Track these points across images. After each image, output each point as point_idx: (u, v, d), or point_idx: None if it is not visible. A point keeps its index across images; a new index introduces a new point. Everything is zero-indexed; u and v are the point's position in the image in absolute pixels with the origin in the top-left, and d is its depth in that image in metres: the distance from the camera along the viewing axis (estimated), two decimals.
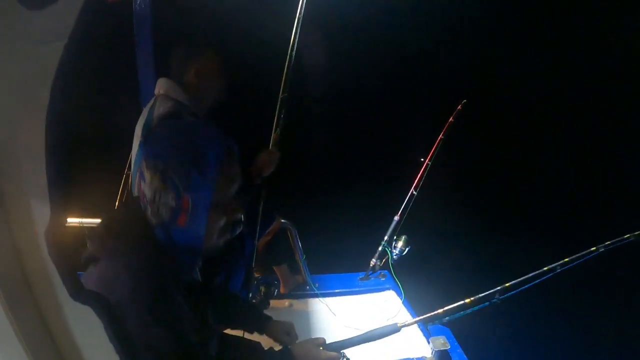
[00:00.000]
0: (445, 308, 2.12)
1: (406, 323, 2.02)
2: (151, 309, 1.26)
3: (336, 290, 3.50)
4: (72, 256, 1.13)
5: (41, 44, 0.93)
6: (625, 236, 2.83)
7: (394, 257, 3.63)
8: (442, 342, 2.86)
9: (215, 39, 2.70)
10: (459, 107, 3.97)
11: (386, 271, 3.78)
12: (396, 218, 3.75)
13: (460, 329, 3.14)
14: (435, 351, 2.85)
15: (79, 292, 1.09)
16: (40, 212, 1.02)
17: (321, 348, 1.90)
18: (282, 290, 3.44)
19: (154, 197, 1.34)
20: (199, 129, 1.45)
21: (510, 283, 2.13)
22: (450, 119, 3.96)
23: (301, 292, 3.58)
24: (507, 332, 4.91)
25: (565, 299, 5.30)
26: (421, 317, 2.08)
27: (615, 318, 5.13)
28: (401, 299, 3.45)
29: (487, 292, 2.15)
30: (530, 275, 2.23)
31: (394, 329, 2.02)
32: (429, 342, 2.97)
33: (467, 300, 2.13)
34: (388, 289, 3.63)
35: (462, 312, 2.49)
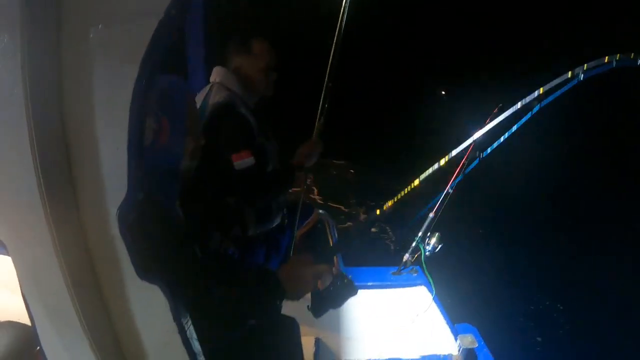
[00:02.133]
0: (421, 177, 2.00)
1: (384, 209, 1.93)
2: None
3: (368, 283, 3.56)
4: (143, 235, 1.16)
5: (137, 18, 0.96)
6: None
7: (427, 253, 3.66)
8: (470, 340, 2.90)
9: (270, 32, 2.75)
10: (495, 110, 3.95)
11: (418, 267, 3.81)
12: (431, 215, 3.77)
13: (488, 331, 3.18)
14: (463, 349, 2.90)
15: (146, 271, 1.14)
16: (113, 194, 1.07)
17: (308, 265, 1.71)
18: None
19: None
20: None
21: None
22: (487, 120, 3.94)
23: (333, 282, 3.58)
24: (533, 335, 4.93)
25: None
26: (398, 197, 1.95)
27: None
28: (432, 294, 3.50)
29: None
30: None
31: (373, 218, 1.93)
32: (456, 340, 3.02)
33: (442, 162, 1.99)
34: (419, 284, 3.67)
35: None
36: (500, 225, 6.68)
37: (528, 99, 2.16)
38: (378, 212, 1.83)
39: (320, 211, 3.34)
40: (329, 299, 1.76)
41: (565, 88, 2.21)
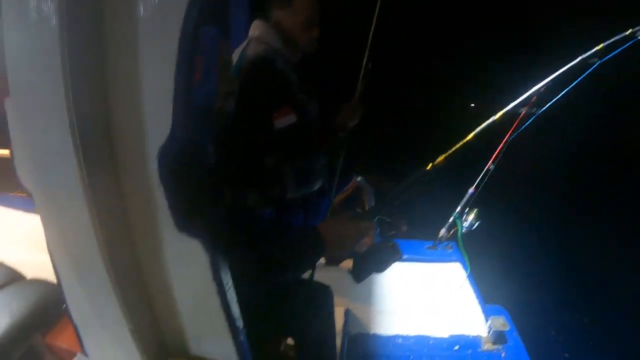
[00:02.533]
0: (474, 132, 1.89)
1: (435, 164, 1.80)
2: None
3: (404, 256, 3.48)
4: (185, 181, 1.06)
5: None
6: None
7: (464, 230, 3.57)
8: (502, 322, 2.82)
9: None
10: (541, 88, 3.79)
11: (454, 243, 3.73)
12: (471, 190, 3.66)
13: (519, 315, 3.10)
14: (494, 331, 2.82)
15: (186, 223, 1.05)
16: (153, 136, 0.97)
17: (351, 220, 1.58)
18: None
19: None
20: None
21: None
22: (534, 98, 3.78)
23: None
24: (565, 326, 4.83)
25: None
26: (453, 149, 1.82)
27: None
28: (467, 272, 3.41)
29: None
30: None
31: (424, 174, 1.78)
32: (486, 321, 2.95)
33: (497, 116, 1.88)
34: (454, 260, 3.58)
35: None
36: (544, 209, 6.51)
37: (587, 54, 2.02)
38: (429, 166, 1.68)
39: (359, 178, 3.26)
40: (372, 262, 1.67)
41: (624, 47, 2.08)
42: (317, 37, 2.60)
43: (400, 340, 2.77)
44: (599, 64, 2.29)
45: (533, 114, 2.22)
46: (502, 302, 3.22)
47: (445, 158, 1.69)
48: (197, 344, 1.31)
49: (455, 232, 3.56)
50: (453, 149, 1.75)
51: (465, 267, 3.43)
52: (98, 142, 1.00)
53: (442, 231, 3.66)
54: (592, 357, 4.58)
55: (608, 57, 2.27)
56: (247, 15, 3.15)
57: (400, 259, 1.70)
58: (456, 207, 3.62)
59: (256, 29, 2.51)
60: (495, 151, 3.69)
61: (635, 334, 4.79)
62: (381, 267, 1.68)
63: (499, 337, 2.85)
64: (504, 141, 3.70)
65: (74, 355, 1.42)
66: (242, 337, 1.26)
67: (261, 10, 2.55)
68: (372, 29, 2.72)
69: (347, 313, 2.85)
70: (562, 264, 5.51)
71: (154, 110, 0.96)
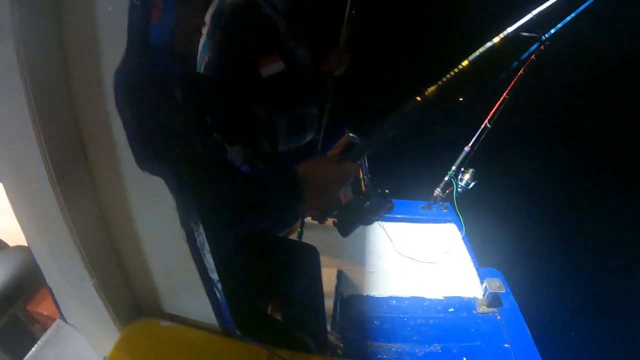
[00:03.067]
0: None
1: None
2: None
3: (397, 216, 3.39)
4: (142, 109, 0.94)
5: None
6: None
7: (459, 189, 3.48)
8: (497, 284, 2.77)
9: None
10: (542, 47, 3.66)
11: (449, 203, 3.65)
12: (466, 149, 3.55)
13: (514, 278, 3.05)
14: (489, 293, 2.77)
15: (149, 159, 0.93)
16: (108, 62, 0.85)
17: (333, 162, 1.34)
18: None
19: None
20: None
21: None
22: (532, 57, 3.67)
23: None
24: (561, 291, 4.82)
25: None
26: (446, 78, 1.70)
27: None
28: (462, 233, 3.33)
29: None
30: None
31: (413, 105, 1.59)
32: (482, 283, 2.89)
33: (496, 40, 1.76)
34: (449, 221, 3.49)
35: None
36: (542, 169, 6.45)
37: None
38: (419, 98, 1.51)
39: (352, 134, 3.13)
40: (358, 212, 1.44)
41: None
42: None
43: (394, 302, 2.72)
44: None
45: (537, 40, 2.05)
46: (498, 265, 3.16)
47: (438, 87, 1.49)
48: (170, 300, 1.22)
49: (451, 192, 3.47)
50: (446, 77, 1.57)
51: (460, 228, 3.34)
52: (50, 79, 0.88)
53: (437, 190, 3.56)
54: (588, 323, 4.57)
55: None
56: None
57: (391, 209, 1.48)
58: (451, 166, 3.53)
59: None
60: (492, 109, 3.59)
61: (630, 301, 4.80)
62: (368, 218, 1.46)
63: (494, 300, 2.81)
64: (501, 99, 3.60)
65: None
66: (218, 291, 1.15)
67: None
68: None
69: (340, 274, 2.79)
70: (559, 226, 5.46)
71: (110, 36, 0.84)
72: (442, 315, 2.72)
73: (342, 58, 2.54)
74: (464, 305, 2.83)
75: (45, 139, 0.88)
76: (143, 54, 0.84)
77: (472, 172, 3.49)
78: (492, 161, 4.09)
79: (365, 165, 3.33)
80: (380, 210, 1.45)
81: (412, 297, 2.78)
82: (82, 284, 1.09)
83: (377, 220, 1.48)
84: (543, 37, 2.27)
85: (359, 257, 3.04)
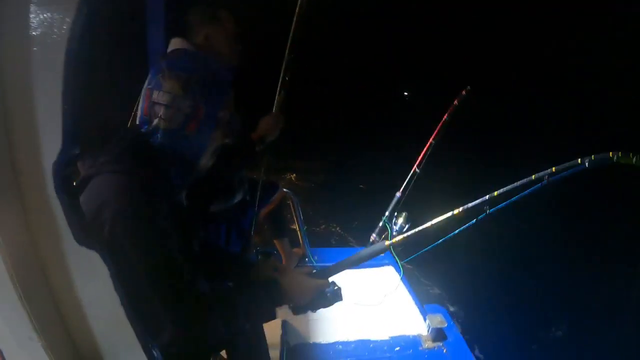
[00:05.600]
0: (434, 221, 2.02)
1: (394, 242, 1.94)
2: (140, 226, 1.30)
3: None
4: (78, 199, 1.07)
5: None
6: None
7: (394, 233, 3.61)
8: (439, 320, 2.85)
9: (228, 5, 2.63)
10: (463, 92, 3.93)
11: None
12: (398, 194, 3.72)
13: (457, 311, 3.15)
14: (432, 328, 2.85)
15: (85, 236, 1.04)
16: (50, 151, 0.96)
17: (308, 278, 1.81)
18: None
19: (171, 101, 1.42)
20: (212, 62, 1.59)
21: (499, 192, 2.06)
22: (455, 102, 3.92)
23: (300, 264, 3.56)
24: (503, 315, 4.93)
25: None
26: (411, 232, 1.99)
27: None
28: (400, 275, 3.44)
29: (475, 202, 2.06)
30: (519, 183, 2.16)
31: (382, 248, 1.93)
32: (425, 320, 2.97)
33: (456, 211, 2.04)
34: (387, 264, 3.61)
35: (453, 233, 2.41)
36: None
37: (541, 173, 2.17)
38: (387, 243, 1.86)
39: (285, 190, 3.23)
40: (314, 305, 1.79)
41: (572, 171, 2.25)
42: (236, 54, 2.59)
43: (340, 347, 2.75)
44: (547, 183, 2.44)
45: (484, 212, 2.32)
46: (440, 300, 3.26)
47: (403, 238, 1.92)
48: (113, 358, 1.25)
49: (386, 236, 3.59)
50: (408, 233, 1.94)
51: (398, 270, 3.45)
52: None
53: (373, 236, 3.69)
54: (536, 346, 4.70)
55: (556, 177, 2.44)
56: (164, 35, 3.11)
57: (341, 301, 1.83)
58: (385, 212, 3.67)
59: (175, 45, 2.47)
60: (420, 156, 3.78)
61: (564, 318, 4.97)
62: (320, 307, 1.82)
63: (438, 334, 2.89)
64: (427, 145, 3.81)
65: None
66: (155, 348, 1.24)
67: (182, 27, 2.52)
68: (289, 42, 2.73)
69: (285, 324, 2.81)
70: (495, 256, 5.64)
71: (49, 126, 0.95)
72: (388, 354, 2.77)
73: (277, 122, 2.66)
74: (410, 342, 2.89)
75: None
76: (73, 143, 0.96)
77: (405, 215, 3.64)
78: (424, 202, 4.25)
79: (300, 219, 3.43)
80: (334, 302, 1.82)
81: (358, 340, 2.82)
82: (31, 344, 1.12)
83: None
84: (488, 210, 2.51)
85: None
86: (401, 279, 3.41)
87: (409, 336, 2.93)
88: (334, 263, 1.90)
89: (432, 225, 1.94)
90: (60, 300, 1.16)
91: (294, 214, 3.43)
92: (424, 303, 3.23)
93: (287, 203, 3.39)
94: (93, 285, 1.12)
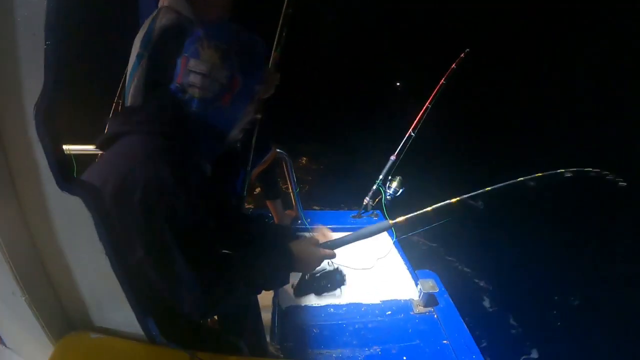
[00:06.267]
0: (434, 206, 2.07)
1: (397, 221, 1.93)
2: (174, 191, 1.28)
3: (328, 226, 3.43)
4: (61, 145, 1.00)
5: None
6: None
7: (388, 197, 3.58)
8: (431, 285, 2.84)
9: None
10: (462, 55, 3.88)
11: (379, 211, 3.73)
12: (392, 158, 3.67)
13: (448, 278, 3.14)
14: (424, 293, 2.84)
15: (68, 181, 0.99)
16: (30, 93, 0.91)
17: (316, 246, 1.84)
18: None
19: (209, 71, 1.41)
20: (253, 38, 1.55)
21: (491, 188, 2.11)
22: (453, 65, 3.86)
23: (292, 225, 3.52)
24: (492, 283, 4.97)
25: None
26: (411, 215, 2.01)
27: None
28: (392, 239, 3.42)
29: (472, 194, 2.11)
30: (509, 182, 2.21)
31: (387, 226, 1.92)
32: (417, 285, 2.96)
33: (453, 200, 2.07)
34: None
35: (448, 218, 2.45)
36: (467, 172, 6.67)
37: (526, 177, 2.19)
38: (391, 222, 1.86)
39: (278, 150, 3.17)
40: (317, 285, 2.04)
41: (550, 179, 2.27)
42: (230, 3, 2.50)
43: (332, 310, 2.73)
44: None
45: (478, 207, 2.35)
46: (432, 267, 3.24)
47: (406, 219, 1.90)
48: (99, 313, 1.24)
49: (380, 200, 3.57)
50: (413, 214, 1.92)
51: (391, 234, 3.42)
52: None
53: (367, 199, 3.66)
54: (522, 315, 4.74)
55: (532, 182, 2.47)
56: None
57: (343, 285, 2.01)
58: (379, 175, 3.63)
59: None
60: (416, 119, 3.73)
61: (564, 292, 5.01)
62: (324, 290, 2.07)
63: (429, 300, 2.88)
64: (423, 109, 3.74)
65: None
66: (142, 304, 1.21)
67: None
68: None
69: None
70: (487, 223, 5.64)
71: (29, 67, 0.90)
72: (380, 318, 2.76)
73: (272, 80, 2.58)
74: (401, 307, 2.88)
75: None
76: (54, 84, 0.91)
77: (400, 179, 3.61)
78: (418, 167, 4.22)
79: (293, 180, 3.38)
80: (334, 288, 2.09)
81: (350, 303, 2.80)
82: (14, 299, 1.10)
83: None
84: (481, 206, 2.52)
85: None
86: (394, 243, 3.39)
87: (400, 300, 2.92)
88: (339, 238, 1.91)
89: (432, 209, 1.93)
90: (44, 254, 1.13)
91: (287, 174, 3.38)
92: (417, 268, 3.21)
93: (280, 163, 3.34)
94: (76, 236, 1.08)
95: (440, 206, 1.92)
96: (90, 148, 2.79)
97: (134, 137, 1.34)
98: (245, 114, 1.56)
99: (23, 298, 1.09)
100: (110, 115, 1.30)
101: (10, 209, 1.04)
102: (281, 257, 1.67)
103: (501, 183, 1.97)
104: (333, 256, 1.84)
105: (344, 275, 1.83)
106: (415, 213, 2.00)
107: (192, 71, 1.43)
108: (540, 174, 2.45)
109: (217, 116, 1.49)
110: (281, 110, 3.10)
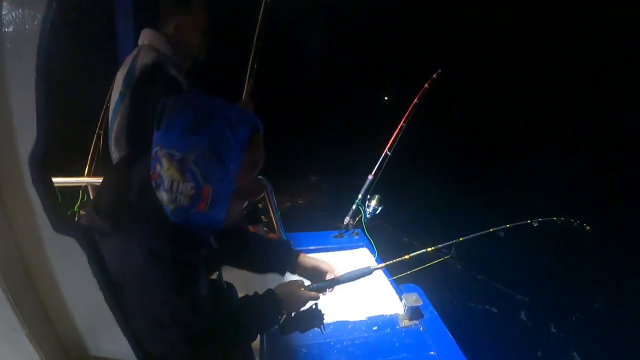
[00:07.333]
0: (411, 254, 2.20)
1: (377, 266, 2.11)
2: (175, 291, 1.29)
3: (310, 248, 3.50)
4: (54, 189, 1.08)
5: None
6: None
7: (367, 215, 3.65)
8: (414, 298, 2.89)
9: None
10: (434, 75, 4.01)
11: (359, 229, 3.79)
12: (370, 177, 3.76)
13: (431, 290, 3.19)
14: (408, 307, 2.88)
15: (62, 224, 1.05)
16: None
17: (302, 289, 1.92)
18: None
19: (170, 186, 1.27)
20: (223, 110, 1.31)
21: (464, 238, 2.25)
22: (425, 85, 3.98)
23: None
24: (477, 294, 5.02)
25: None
26: (388, 262, 2.13)
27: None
28: (374, 256, 3.48)
29: (446, 244, 2.26)
30: (480, 233, 2.36)
31: (367, 271, 2.10)
32: (401, 300, 3.00)
33: (429, 249, 2.21)
34: (361, 246, 3.65)
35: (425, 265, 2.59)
36: (442, 188, 6.77)
37: (495, 229, 2.38)
38: (372, 267, 2.14)
39: (259, 177, 3.23)
40: (300, 323, 1.93)
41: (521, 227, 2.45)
42: (207, 44, 2.58)
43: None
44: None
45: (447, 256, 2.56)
46: (415, 280, 3.30)
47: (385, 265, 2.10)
48: (95, 344, 1.29)
49: (360, 219, 3.64)
50: (394, 260, 2.15)
51: (372, 252, 3.49)
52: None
53: (347, 219, 3.73)
54: (508, 324, 4.80)
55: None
56: (133, 25, 3.09)
57: (323, 324, 1.99)
58: (358, 195, 3.70)
59: (145, 37, 2.47)
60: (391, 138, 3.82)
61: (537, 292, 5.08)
62: (306, 327, 1.95)
63: (414, 313, 2.92)
64: (398, 128, 3.84)
65: None
66: (136, 336, 1.26)
67: (152, 17, 2.51)
68: (257, 31, 2.73)
69: None
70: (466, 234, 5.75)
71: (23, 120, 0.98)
72: (366, 334, 2.80)
73: (246, 109, 2.66)
74: (387, 322, 2.93)
75: None
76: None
77: (378, 198, 3.69)
78: (396, 184, 4.30)
79: (274, 204, 3.43)
80: (315, 325, 1.98)
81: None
82: (15, 335, 1.14)
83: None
84: (454, 253, 2.73)
85: None
86: (376, 260, 3.45)
87: (385, 316, 2.97)
88: (324, 281, 2.06)
89: (409, 257, 2.21)
90: (42, 290, 1.19)
91: (267, 199, 3.43)
92: (400, 283, 3.26)
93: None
94: (72, 272, 1.14)
95: (417, 254, 2.09)
96: (77, 180, 2.84)
97: (133, 243, 1.24)
98: (233, 207, 1.39)
99: (24, 333, 1.14)
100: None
101: (11, 255, 1.10)
102: (272, 302, 1.73)
103: (472, 234, 2.37)
104: (317, 298, 1.93)
105: (321, 313, 1.92)
106: (394, 260, 2.22)
107: (158, 186, 1.31)
108: (508, 225, 2.65)
109: (201, 219, 1.34)
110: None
